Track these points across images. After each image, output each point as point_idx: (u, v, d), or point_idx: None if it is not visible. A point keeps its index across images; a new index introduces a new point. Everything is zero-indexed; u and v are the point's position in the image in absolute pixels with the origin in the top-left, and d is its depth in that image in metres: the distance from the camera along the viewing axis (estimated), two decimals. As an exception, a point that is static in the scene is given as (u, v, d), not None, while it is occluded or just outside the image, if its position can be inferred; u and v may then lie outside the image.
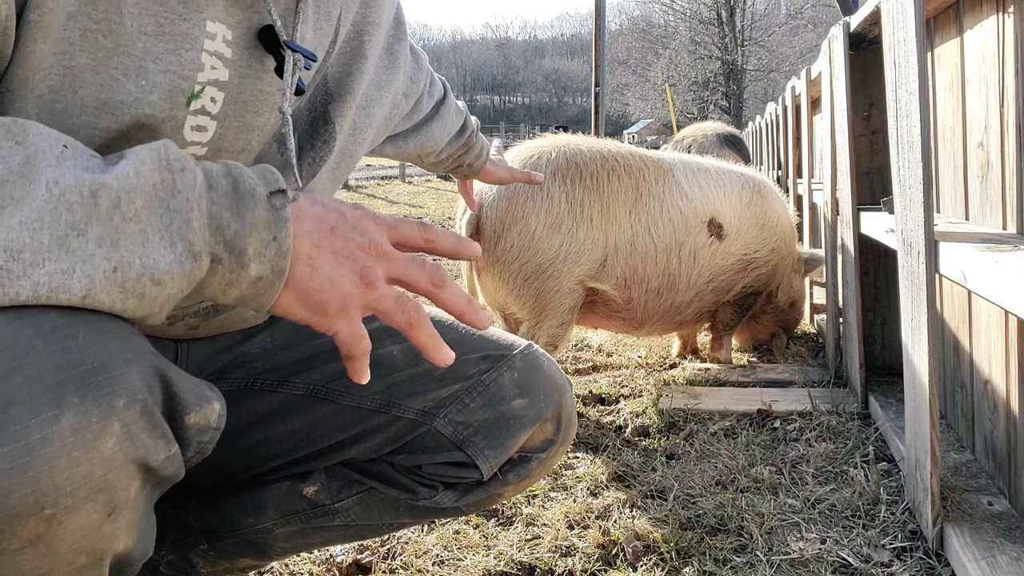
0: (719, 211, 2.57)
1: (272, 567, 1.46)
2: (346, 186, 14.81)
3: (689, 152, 5.15)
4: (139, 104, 0.75)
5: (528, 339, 2.27)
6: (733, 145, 5.87)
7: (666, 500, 1.73)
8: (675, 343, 3.08)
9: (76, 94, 0.72)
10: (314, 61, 0.87)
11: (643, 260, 2.42)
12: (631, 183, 2.40)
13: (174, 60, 0.76)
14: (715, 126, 5.84)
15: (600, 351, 3.11)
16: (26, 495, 0.57)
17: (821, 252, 3.13)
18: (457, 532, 1.58)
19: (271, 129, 0.89)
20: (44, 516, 0.59)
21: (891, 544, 1.50)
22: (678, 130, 10.50)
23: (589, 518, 1.65)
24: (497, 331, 1.13)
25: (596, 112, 9.64)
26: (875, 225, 1.99)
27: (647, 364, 2.91)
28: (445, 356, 0.75)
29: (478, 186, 2.36)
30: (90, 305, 0.62)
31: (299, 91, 0.86)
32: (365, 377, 0.75)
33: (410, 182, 16.88)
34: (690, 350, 3.05)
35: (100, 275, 0.62)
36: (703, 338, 3.12)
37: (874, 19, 1.99)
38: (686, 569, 1.45)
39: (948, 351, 1.89)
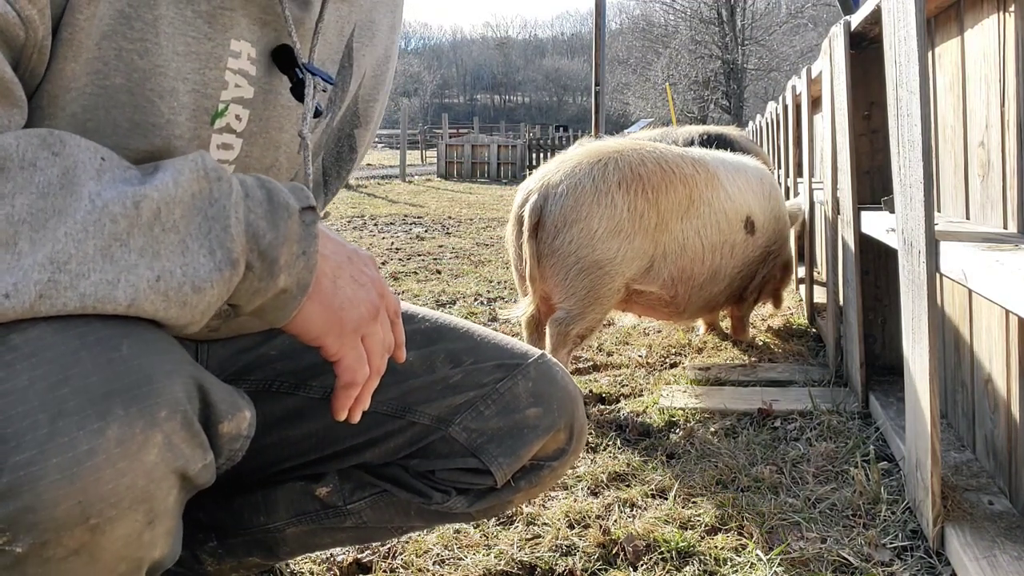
0: (752, 210, 2.73)
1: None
2: (346, 185, 14.80)
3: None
4: (170, 126, 0.75)
5: (565, 325, 2.38)
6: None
7: (666, 500, 1.73)
8: (700, 326, 3.32)
9: (109, 114, 0.72)
10: (332, 84, 0.88)
11: (692, 261, 2.55)
12: (685, 192, 2.51)
13: (199, 80, 0.76)
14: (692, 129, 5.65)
15: (600, 351, 3.11)
16: (73, 506, 0.58)
17: (798, 203, 3.48)
18: (457, 531, 1.58)
19: (296, 147, 0.89)
20: (89, 526, 0.60)
21: (892, 543, 1.50)
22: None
23: (589, 517, 1.65)
24: (510, 339, 1.14)
25: (596, 111, 9.64)
26: (876, 224, 1.99)
27: (647, 363, 2.91)
28: (355, 416, 0.83)
29: (541, 174, 2.47)
30: (134, 313, 0.63)
31: (316, 113, 0.87)
32: (343, 413, 0.80)
33: (411, 181, 16.88)
34: (715, 328, 3.30)
35: (144, 284, 0.63)
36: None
37: (875, 18, 1.99)
38: (686, 569, 1.45)
39: (949, 350, 1.89)
